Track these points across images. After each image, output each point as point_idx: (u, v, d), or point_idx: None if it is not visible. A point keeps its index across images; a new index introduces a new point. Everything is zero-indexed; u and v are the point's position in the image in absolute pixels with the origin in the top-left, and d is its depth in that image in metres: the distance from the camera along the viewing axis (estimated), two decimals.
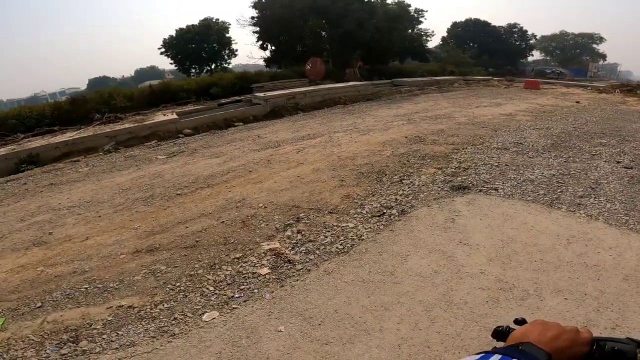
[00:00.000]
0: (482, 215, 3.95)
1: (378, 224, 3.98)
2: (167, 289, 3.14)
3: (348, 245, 3.57)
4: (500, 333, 0.69)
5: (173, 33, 24.80)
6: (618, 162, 5.98)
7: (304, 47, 22.82)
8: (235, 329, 2.58)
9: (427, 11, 27.18)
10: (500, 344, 0.65)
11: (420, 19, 27.24)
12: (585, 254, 3.24)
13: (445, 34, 38.21)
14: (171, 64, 26.13)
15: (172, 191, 5.50)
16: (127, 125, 9.96)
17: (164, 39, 24.87)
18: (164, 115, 11.30)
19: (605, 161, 6.05)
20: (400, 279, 2.93)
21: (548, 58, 49.96)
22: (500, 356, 0.53)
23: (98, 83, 46.53)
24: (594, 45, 47.43)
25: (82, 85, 57.25)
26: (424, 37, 29.07)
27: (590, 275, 2.94)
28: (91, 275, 3.45)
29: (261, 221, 4.28)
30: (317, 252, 3.53)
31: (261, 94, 12.58)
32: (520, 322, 0.69)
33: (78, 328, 2.76)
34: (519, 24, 39.86)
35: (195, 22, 25.01)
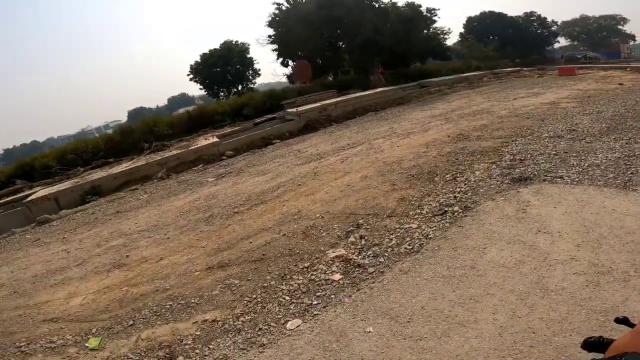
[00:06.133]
0: (555, 203, 3.77)
1: (442, 222, 3.91)
2: (245, 302, 3.22)
3: (417, 244, 3.53)
4: (593, 345, 0.58)
5: (198, 59, 25.48)
6: None
7: (323, 60, 23.18)
8: (324, 334, 2.60)
9: (439, 9, 26.65)
10: (594, 356, 0.56)
11: (434, 18, 26.79)
12: None
13: (462, 30, 37.44)
14: (201, 89, 27.12)
15: (229, 210, 5.71)
16: (174, 152, 10.54)
17: (191, 65, 25.70)
18: (206, 139, 11.85)
19: None
20: (484, 272, 2.85)
21: (575, 43, 47.73)
22: None
23: (136, 114, 47.48)
24: (619, 27, 45.01)
25: (123, 117, 60.06)
26: (441, 36, 28.59)
27: None
28: (172, 292, 3.62)
29: (321, 231, 4.33)
30: (386, 254, 3.51)
31: (293, 110, 12.88)
32: (622, 321, 0.60)
33: (171, 344, 2.87)
34: (535, 12, 38.41)
35: (217, 45, 25.50)
